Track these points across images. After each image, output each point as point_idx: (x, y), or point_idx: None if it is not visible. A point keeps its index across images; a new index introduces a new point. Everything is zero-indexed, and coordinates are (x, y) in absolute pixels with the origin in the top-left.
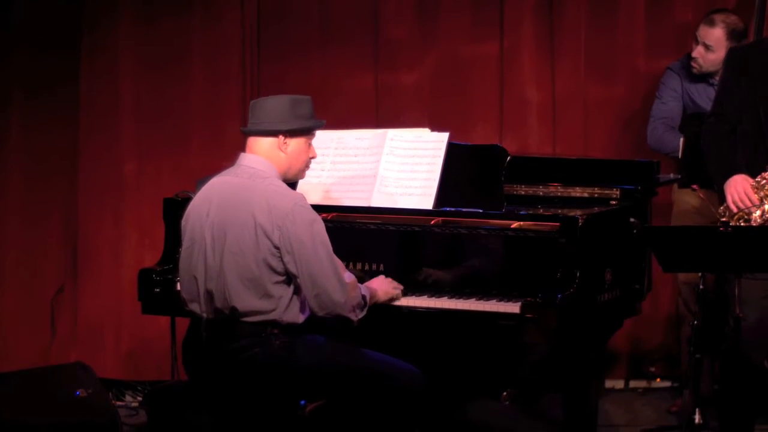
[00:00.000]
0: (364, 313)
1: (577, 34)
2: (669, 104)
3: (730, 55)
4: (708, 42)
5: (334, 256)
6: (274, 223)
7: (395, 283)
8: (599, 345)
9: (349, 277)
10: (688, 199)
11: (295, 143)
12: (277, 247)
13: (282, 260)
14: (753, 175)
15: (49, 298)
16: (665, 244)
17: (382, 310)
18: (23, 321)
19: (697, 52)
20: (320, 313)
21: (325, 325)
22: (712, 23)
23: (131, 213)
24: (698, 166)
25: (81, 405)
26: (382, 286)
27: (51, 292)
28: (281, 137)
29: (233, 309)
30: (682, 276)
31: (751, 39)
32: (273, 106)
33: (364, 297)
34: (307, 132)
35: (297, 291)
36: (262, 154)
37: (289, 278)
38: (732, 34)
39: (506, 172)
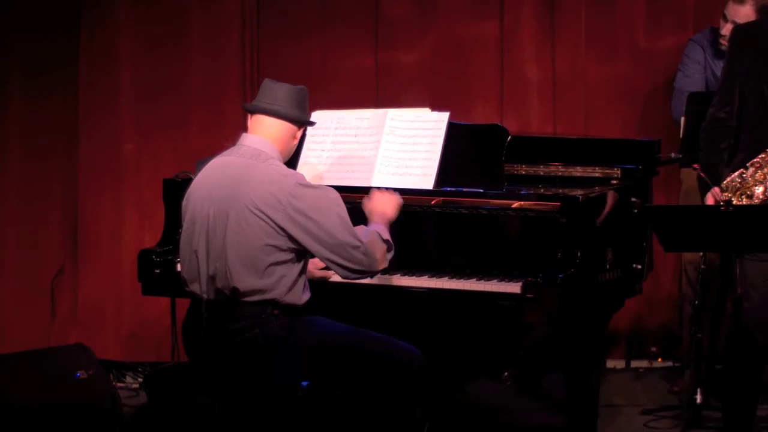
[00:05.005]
0: (392, 253)
1: (578, 11)
2: (693, 77)
3: (735, 33)
4: (737, 19)
5: (347, 221)
6: (277, 202)
7: (390, 195)
8: (600, 325)
9: (365, 235)
10: (695, 177)
11: (300, 135)
12: (281, 227)
13: (289, 240)
14: (757, 153)
15: (49, 280)
16: (667, 223)
17: (383, 290)
18: (23, 302)
19: (726, 29)
20: (352, 277)
21: (324, 306)
22: (741, 1)
23: (131, 193)
24: (699, 146)
25: (81, 386)
26: (385, 213)
27: (51, 273)
28: (300, 127)
29: (234, 289)
30: (687, 255)
31: None
32: (294, 93)
33: (387, 241)
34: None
35: (300, 272)
36: (269, 136)
37: (292, 258)
38: (761, 11)
39: (507, 152)
